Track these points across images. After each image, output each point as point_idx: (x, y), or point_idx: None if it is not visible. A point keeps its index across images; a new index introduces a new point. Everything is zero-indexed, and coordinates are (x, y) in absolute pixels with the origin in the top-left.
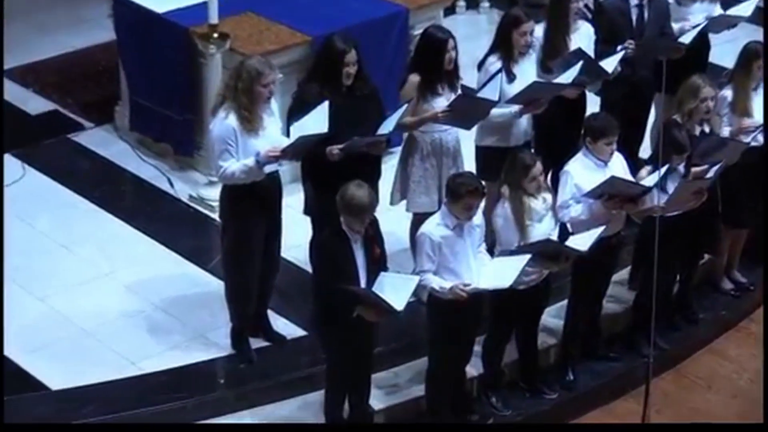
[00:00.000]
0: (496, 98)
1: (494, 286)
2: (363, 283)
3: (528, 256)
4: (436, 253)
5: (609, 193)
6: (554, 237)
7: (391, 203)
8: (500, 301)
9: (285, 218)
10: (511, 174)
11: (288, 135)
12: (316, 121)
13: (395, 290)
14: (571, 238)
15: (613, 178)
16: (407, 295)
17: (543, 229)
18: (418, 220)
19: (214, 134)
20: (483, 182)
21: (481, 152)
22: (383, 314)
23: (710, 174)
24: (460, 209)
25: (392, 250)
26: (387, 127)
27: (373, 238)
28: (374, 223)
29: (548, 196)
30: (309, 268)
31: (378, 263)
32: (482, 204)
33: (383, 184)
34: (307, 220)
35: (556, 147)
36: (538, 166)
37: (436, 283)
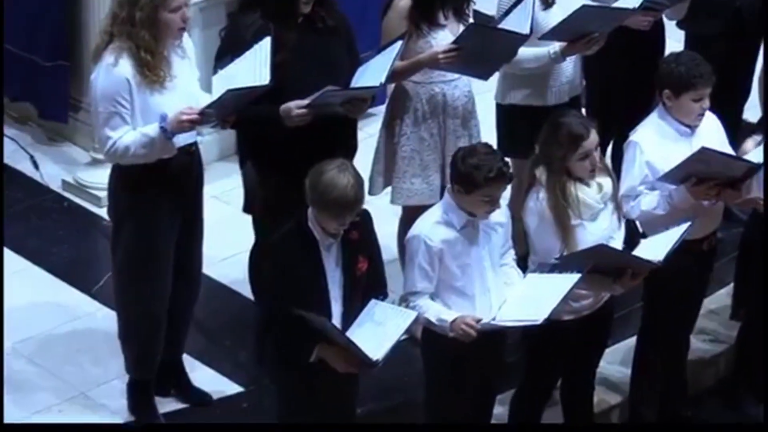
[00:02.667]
0: (526, 31)
1: (523, 320)
2: (335, 314)
3: (577, 275)
4: (435, 266)
5: (698, 174)
6: (617, 243)
7: (371, 192)
8: (535, 339)
9: (209, 217)
10: (551, 148)
11: (211, 91)
12: (253, 66)
13: (382, 328)
14: (642, 243)
15: (703, 150)
16: (394, 337)
17: (599, 231)
18: (410, 216)
19: (98, 90)
20: (508, 161)
21: (505, 115)
22: (354, 363)
23: None
24: (474, 202)
25: None
26: (373, 76)
27: (357, 244)
28: (364, 220)
29: (606, 182)
30: (247, 292)
31: (362, 284)
32: (507, 193)
33: (357, 164)
34: (244, 219)
35: (617, 106)
36: (593, 138)
37: (433, 312)
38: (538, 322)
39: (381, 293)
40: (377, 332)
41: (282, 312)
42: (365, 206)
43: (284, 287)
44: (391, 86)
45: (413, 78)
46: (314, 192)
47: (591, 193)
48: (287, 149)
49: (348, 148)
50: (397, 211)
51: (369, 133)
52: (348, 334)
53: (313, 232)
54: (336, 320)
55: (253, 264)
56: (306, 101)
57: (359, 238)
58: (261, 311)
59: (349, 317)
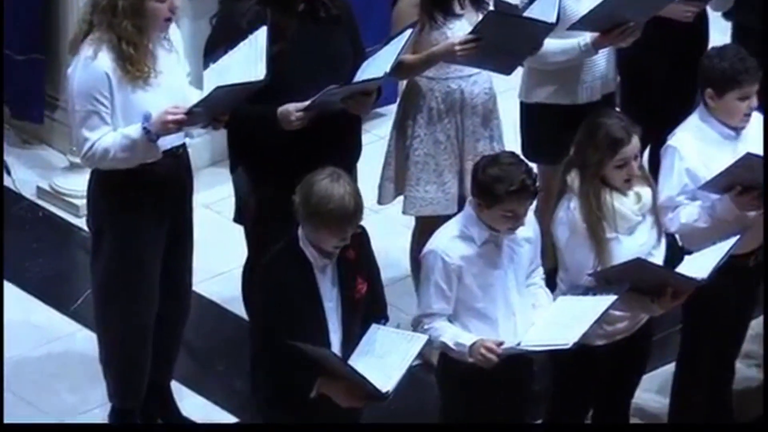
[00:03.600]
0: (552, 20)
1: (551, 345)
2: (334, 343)
3: (613, 296)
4: (452, 285)
5: (743, 182)
6: (656, 260)
7: (380, 201)
8: (564, 366)
9: (199, 228)
10: (587, 152)
11: (203, 87)
12: (247, 59)
13: (388, 357)
14: (686, 259)
15: (749, 156)
16: (405, 365)
17: (636, 246)
18: (424, 228)
19: (75, 86)
20: (534, 173)
21: (530, 115)
22: (360, 397)
23: None
24: (494, 217)
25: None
26: (378, 67)
27: (355, 263)
28: (360, 238)
29: (646, 192)
30: (241, 311)
31: (362, 307)
32: (533, 204)
33: (365, 170)
34: (239, 231)
35: (655, 106)
36: (634, 144)
37: (450, 336)
38: (568, 347)
39: (381, 317)
40: (383, 361)
41: (275, 345)
42: (373, 217)
43: (276, 317)
44: (403, 83)
45: (427, 73)
46: (307, 206)
47: (628, 203)
48: (283, 152)
49: (352, 150)
50: (410, 222)
51: (378, 135)
52: (350, 364)
53: (306, 253)
54: (335, 350)
55: (246, 282)
56: (305, 104)
57: (356, 257)
58: (252, 344)
59: (348, 346)
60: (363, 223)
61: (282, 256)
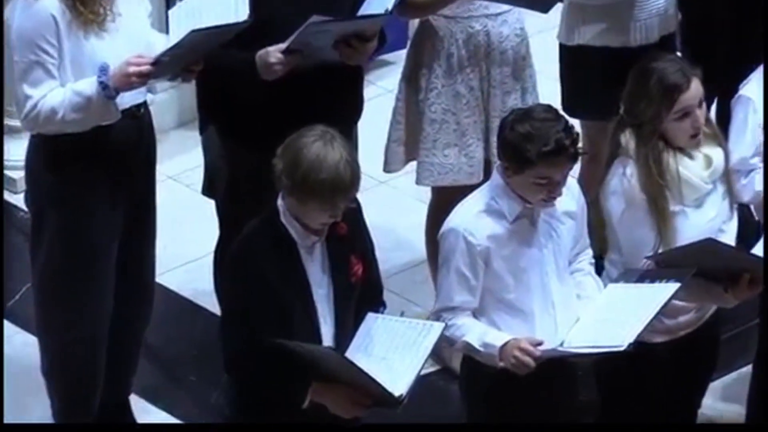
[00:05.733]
0: None
1: (601, 346)
2: (326, 338)
3: (676, 284)
4: (478, 272)
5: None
6: (728, 237)
7: (387, 168)
8: (615, 370)
9: (163, 205)
10: (640, 105)
11: (167, 30)
12: None
13: (394, 354)
14: (763, 238)
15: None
16: (418, 363)
17: (704, 221)
18: (443, 201)
19: (15, 32)
20: (576, 130)
21: (572, 60)
22: (366, 404)
23: None
24: (525, 185)
25: (389, 266)
26: (381, 3)
27: (348, 240)
28: (353, 213)
29: (717, 154)
30: (216, 307)
31: (356, 293)
32: (576, 170)
33: (367, 131)
34: (209, 206)
35: (723, 49)
36: (695, 89)
37: (476, 335)
38: (622, 349)
39: (378, 304)
40: (389, 358)
41: (254, 345)
42: (378, 189)
43: (255, 310)
44: (414, 23)
45: (444, 12)
46: (294, 175)
47: (696, 168)
48: (264, 108)
49: (351, 107)
50: (425, 195)
51: (385, 87)
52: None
53: (289, 231)
54: (327, 343)
55: (218, 268)
56: (286, 44)
57: (348, 233)
58: (224, 346)
59: (342, 341)
60: (367, 195)
61: (259, 233)
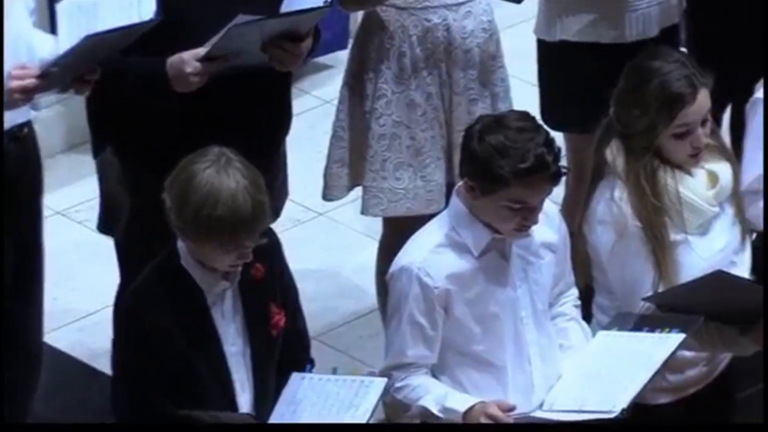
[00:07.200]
0: None
1: (590, 411)
2: (244, 405)
3: (680, 335)
4: (436, 319)
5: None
6: (741, 270)
7: (326, 196)
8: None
9: (52, 246)
10: (632, 113)
11: (53, 29)
12: None
13: (327, 418)
14: None
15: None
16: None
17: (711, 252)
18: (395, 234)
19: None
20: (557, 144)
21: (553, 60)
22: None
23: None
24: (494, 211)
25: (332, 317)
26: None
27: (265, 285)
28: (269, 250)
29: (724, 170)
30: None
31: (278, 349)
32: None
33: (299, 150)
34: (108, 246)
35: (735, 46)
36: (702, 102)
37: (435, 397)
38: (615, 415)
39: (305, 362)
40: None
41: (152, 417)
42: (315, 221)
43: (152, 375)
44: (358, 17)
45: (395, 1)
46: (183, 213)
47: (699, 187)
48: (173, 125)
49: (276, 121)
50: (376, 228)
51: (322, 98)
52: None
53: (193, 277)
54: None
55: (116, 318)
56: (205, 49)
57: (265, 275)
58: (116, 417)
59: (264, 407)
60: (302, 229)
61: (156, 281)
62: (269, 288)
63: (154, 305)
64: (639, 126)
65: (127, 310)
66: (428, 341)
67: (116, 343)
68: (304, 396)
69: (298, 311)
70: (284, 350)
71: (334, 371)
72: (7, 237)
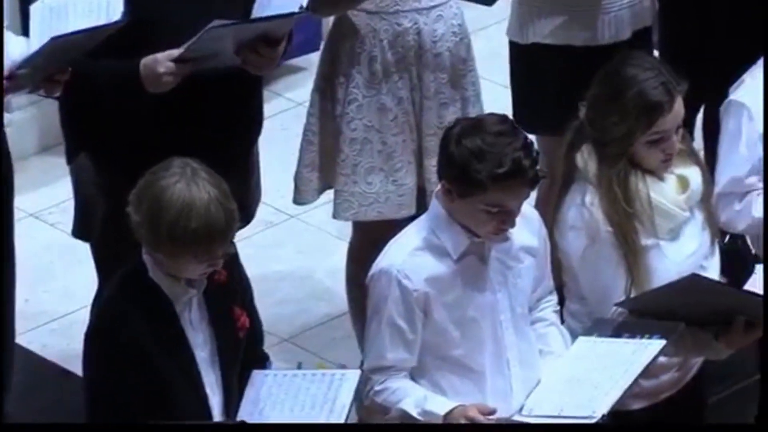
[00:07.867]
0: None
1: (569, 416)
2: (215, 408)
3: (661, 341)
4: (415, 322)
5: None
6: (710, 275)
7: (296, 200)
8: None
9: (24, 249)
10: (607, 119)
11: (25, 31)
12: None
13: (302, 418)
14: (757, 269)
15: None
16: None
17: (682, 256)
18: (366, 240)
19: None
20: (534, 145)
21: (525, 63)
22: None
23: None
24: (472, 214)
25: (304, 319)
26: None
27: (228, 288)
28: (232, 262)
29: (693, 174)
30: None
31: (242, 348)
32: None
33: (270, 153)
34: (82, 249)
35: (710, 47)
36: (677, 110)
37: (414, 400)
38: (595, 419)
39: (262, 358)
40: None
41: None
42: (282, 226)
43: (127, 387)
44: (329, 22)
45: (366, 6)
46: (157, 229)
47: (670, 192)
48: (147, 127)
49: (248, 124)
50: (347, 231)
51: (294, 100)
52: None
53: (162, 288)
54: (217, 419)
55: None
56: (178, 51)
57: (227, 279)
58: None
59: (232, 409)
60: (274, 232)
61: (125, 295)
62: (232, 290)
63: (128, 320)
64: (616, 133)
65: (99, 326)
66: (408, 344)
67: (89, 363)
68: (269, 393)
69: (254, 309)
70: (245, 349)
71: (299, 366)
72: None
